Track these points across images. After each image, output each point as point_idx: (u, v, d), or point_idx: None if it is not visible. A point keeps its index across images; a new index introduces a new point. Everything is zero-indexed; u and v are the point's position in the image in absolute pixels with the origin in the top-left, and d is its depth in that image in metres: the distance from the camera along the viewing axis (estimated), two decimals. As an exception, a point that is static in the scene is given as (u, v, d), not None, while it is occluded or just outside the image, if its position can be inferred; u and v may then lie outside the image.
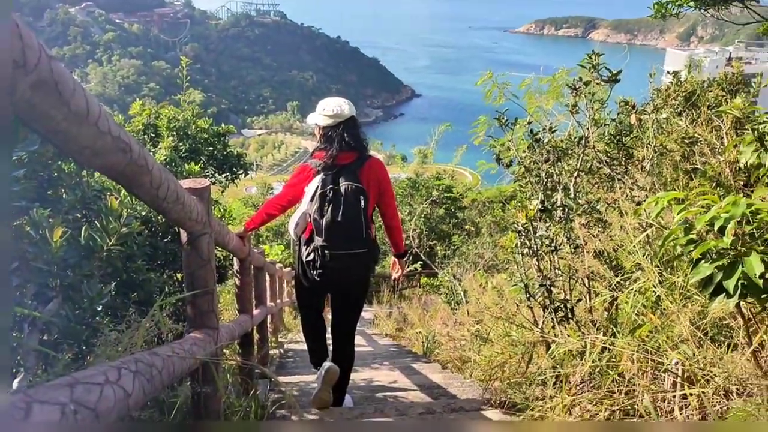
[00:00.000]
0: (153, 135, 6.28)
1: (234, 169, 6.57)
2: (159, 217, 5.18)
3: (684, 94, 5.84)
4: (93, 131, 1.05)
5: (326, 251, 3.44)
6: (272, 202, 3.84)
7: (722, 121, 5.55)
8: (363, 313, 13.35)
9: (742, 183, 4.81)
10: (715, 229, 2.19)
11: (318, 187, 3.46)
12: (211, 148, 6.40)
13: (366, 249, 3.47)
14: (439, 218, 23.42)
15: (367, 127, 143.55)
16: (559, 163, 4.03)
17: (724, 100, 5.61)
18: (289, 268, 11.77)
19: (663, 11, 4.85)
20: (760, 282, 2.12)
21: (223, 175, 6.49)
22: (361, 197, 3.43)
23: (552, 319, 3.95)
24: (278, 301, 9.11)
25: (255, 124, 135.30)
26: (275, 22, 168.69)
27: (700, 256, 2.31)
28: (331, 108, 3.62)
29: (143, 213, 4.31)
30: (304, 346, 7.61)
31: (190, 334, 2.25)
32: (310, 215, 3.48)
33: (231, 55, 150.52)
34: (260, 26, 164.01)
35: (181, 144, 6.19)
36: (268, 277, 7.31)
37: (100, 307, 2.35)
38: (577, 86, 3.94)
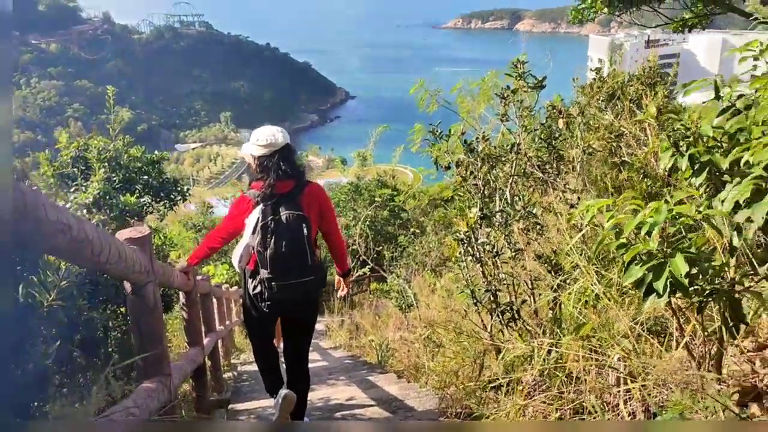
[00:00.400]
0: (83, 167, 6.12)
1: (171, 195, 6.45)
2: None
3: (607, 90, 6.08)
4: (32, 223, 1.05)
5: (272, 283, 3.44)
6: (213, 235, 3.80)
7: (644, 113, 5.81)
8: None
9: (666, 173, 5.05)
10: (642, 234, 2.32)
11: (259, 218, 3.44)
12: (146, 177, 6.28)
13: (313, 276, 3.49)
14: (384, 220, 23.51)
15: (304, 132, 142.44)
16: (494, 171, 4.14)
17: (644, 93, 5.87)
18: (236, 287, 11.63)
19: (580, 17, 5.07)
20: (686, 281, 2.26)
21: (161, 203, 6.37)
22: (303, 225, 3.42)
23: (500, 322, 4.07)
24: (227, 322, 9.01)
25: (188, 138, 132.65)
26: (201, 33, 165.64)
27: (630, 259, 2.43)
28: (265, 137, 3.58)
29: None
30: (255, 368, 7.56)
31: (142, 385, 2.23)
32: (253, 248, 3.47)
33: (157, 69, 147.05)
34: (185, 38, 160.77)
35: (114, 175, 6.06)
36: (215, 301, 7.23)
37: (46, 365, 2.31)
38: (505, 95, 4.06)
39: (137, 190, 6.12)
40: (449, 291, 8.10)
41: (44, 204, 1.12)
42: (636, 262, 2.42)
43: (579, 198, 4.01)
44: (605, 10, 4.98)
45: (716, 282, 2.41)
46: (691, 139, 2.49)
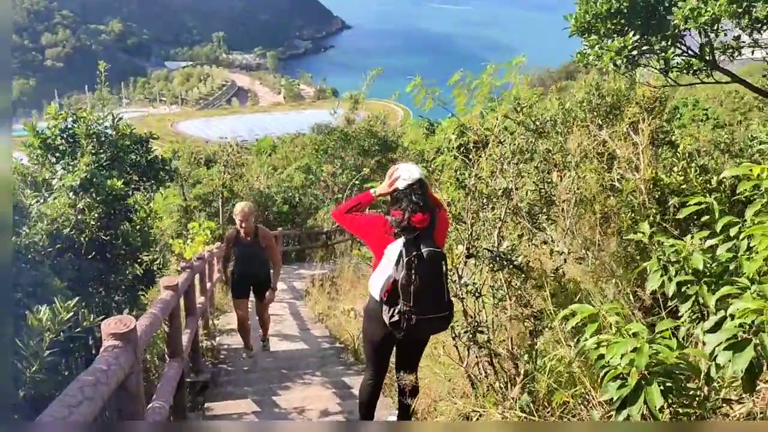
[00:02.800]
0: (71, 141, 6.00)
1: (159, 175, 6.37)
2: (83, 237, 5.09)
3: (606, 108, 6.04)
4: None
5: (413, 316, 3.57)
6: (349, 220, 3.97)
7: (639, 138, 5.79)
8: (295, 283, 13.20)
9: (654, 211, 5.07)
10: (621, 365, 2.35)
11: (402, 252, 3.56)
12: (133, 156, 6.18)
13: (447, 312, 3.68)
14: (371, 170, 23.43)
15: (297, 60, 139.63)
16: (482, 212, 4.14)
17: (641, 118, 5.83)
18: (218, 243, 11.58)
19: (585, 62, 4.97)
20: (660, 415, 2.32)
21: (148, 183, 6.29)
22: (443, 262, 3.58)
23: (476, 356, 4.17)
24: (208, 284, 9.02)
25: (179, 55, 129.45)
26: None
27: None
28: (402, 172, 3.75)
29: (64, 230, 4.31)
30: (237, 339, 7.60)
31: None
32: (396, 280, 3.59)
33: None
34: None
35: (101, 152, 5.95)
36: (197, 277, 7.26)
37: None
38: (502, 140, 4.02)
39: (125, 170, 6.05)
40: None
41: None
42: (613, 380, 2.47)
43: (568, 251, 4.03)
44: (611, 66, 4.87)
45: (691, 406, 2.47)
46: (680, 265, 2.50)
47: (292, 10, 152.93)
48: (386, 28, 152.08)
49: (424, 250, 3.55)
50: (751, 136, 6.81)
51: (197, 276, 7.24)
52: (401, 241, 3.60)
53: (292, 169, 22.71)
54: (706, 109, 18.77)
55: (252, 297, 7.12)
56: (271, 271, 7.12)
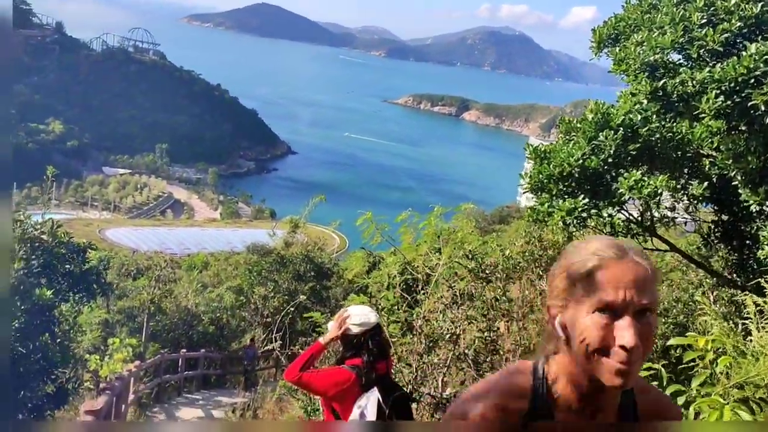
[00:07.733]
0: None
1: (92, 287, 6.12)
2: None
3: (547, 259, 6.27)
4: None
5: None
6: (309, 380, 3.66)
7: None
8: (213, 412, 12.56)
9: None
10: None
11: (380, 402, 3.43)
12: (68, 265, 5.94)
13: None
14: (305, 296, 23.19)
15: (239, 178, 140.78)
16: (426, 356, 4.12)
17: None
18: (137, 362, 10.98)
19: (536, 217, 5.26)
20: None
21: (78, 295, 6.01)
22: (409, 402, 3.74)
23: None
24: (123, 407, 8.42)
25: (118, 162, 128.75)
26: (153, 61, 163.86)
27: None
28: (358, 317, 3.58)
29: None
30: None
31: None
32: None
33: (101, 88, 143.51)
34: (137, 63, 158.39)
35: (34, 258, 5.71)
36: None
37: None
38: (452, 285, 4.08)
39: (57, 278, 5.79)
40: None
41: None
42: None
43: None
44: (560, 224, 5.19)
45: None
46: None
47: (238, 131, 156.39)
48: (333, 157, 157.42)
49: (397, 394, 3.54)
50: (676, 297, 7.16)
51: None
52: (374, 391, 3.45)
53: (224, 288, 22.21)
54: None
55: None
56: None
